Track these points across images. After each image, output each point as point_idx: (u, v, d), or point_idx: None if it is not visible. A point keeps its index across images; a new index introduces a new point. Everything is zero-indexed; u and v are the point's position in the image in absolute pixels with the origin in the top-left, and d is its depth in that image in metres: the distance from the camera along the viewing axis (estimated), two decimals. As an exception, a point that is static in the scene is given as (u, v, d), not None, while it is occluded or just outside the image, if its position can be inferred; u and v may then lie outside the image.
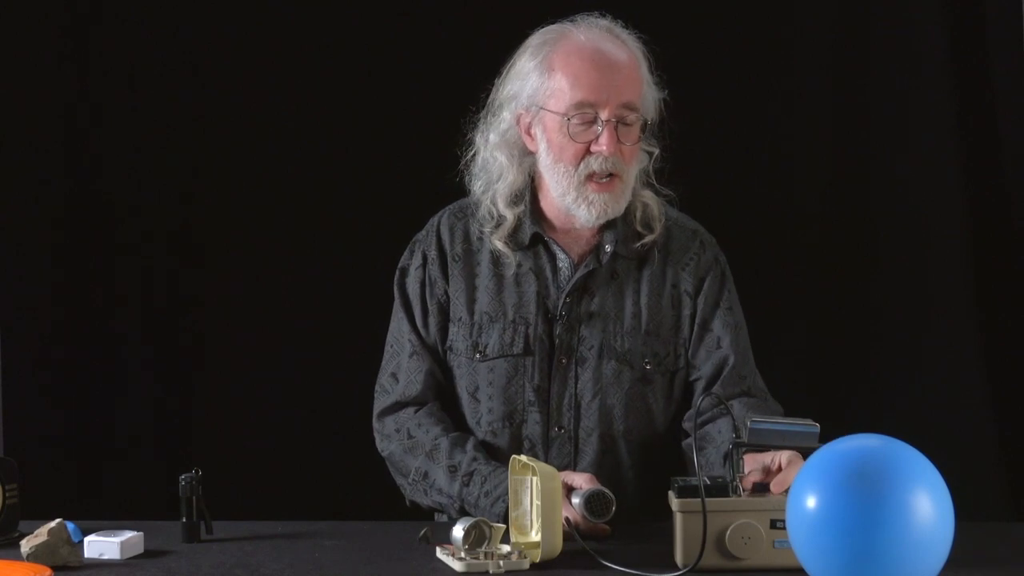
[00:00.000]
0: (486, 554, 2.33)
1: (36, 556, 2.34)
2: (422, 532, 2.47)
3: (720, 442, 2.68)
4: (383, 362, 2.88)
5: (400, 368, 2.85)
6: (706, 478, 2.30)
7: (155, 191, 3.77)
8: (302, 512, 2.77)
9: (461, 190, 2.88)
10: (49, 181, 3.76)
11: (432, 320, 2.85)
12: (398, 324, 2.88)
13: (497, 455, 2.75)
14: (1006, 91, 3.69)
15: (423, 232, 2.91)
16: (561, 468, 2.68)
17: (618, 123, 2.72)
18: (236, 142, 3.76)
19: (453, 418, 2.82)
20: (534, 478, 2.41)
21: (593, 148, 2.72)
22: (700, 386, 2.81)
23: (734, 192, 3.68)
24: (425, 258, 2.87)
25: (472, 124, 2.85)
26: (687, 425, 2.79)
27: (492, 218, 2.83)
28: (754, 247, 3.56)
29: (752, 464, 2.40)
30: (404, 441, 2.80)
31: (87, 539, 2.43)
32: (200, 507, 2.52)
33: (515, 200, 2.82)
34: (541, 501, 2.34)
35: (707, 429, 2.74)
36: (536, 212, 2.83)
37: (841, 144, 3.78)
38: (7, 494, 2.54)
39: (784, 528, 2.18)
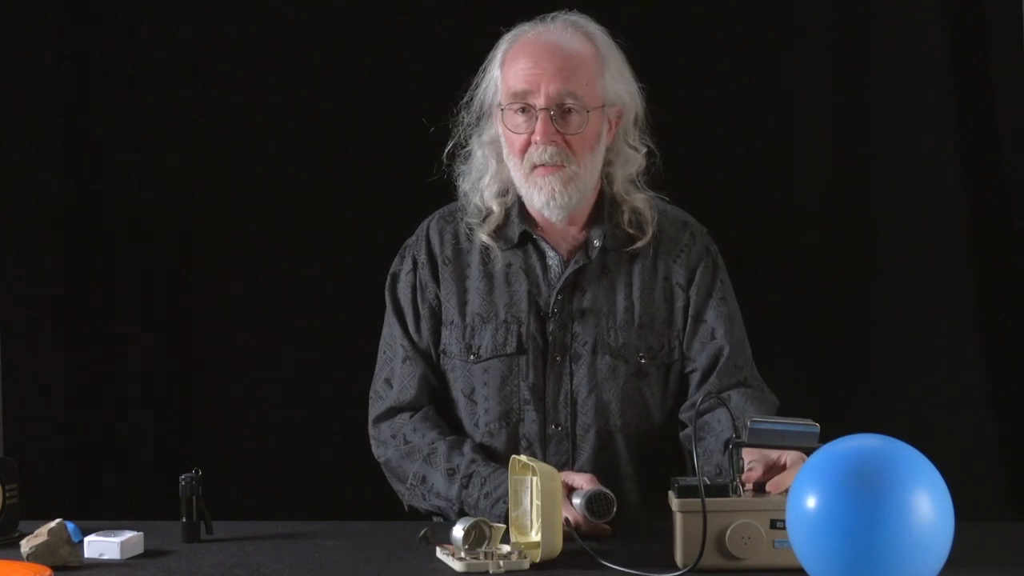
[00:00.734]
0: (486, 554, 2.33)
1: (36, 556, 2.34)
2: (422, 532, 2.47)
3: (720, 431, 2.67)
4: (376, 368, 2.88)
5: (394, 373, 2.84)
6: (706, 478, 2.30)
7: (155, 191, 3.77)
8: (302, 512, 2.76)
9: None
10: (49, 181, 3.76)
11: (424, 325, 2.84)
12: (391, 330, 2.87)
13: (495, 456, 2.75)
14: (1006, 91, 3.69)
15: (413, 237, 2.91)
16: (559, 465, 2.69)
17: (557, 112, 2.71)
18: (236, 142, 3.76)
19: (448, 422, 2.82)
20: (534, 478, 2.41)
21: (532, 139, 2.72)
22: (696, 378, 2.80)
23: (734, 192, 3.68)
24: (415, 263, 2.87)
25: (457, 123, 2.85)
26: (685, 416, 2.78)
27: (480, 212, 2.83)
28: (754, 247, 3.56)
29: (754, 456, 2.39)
30: (400, 446, 2.79)
31: (87, 539, 2.43)
32: (200, 507, 2.52)
33: (501, 193, 2.82)
34: (541, 501, 2.34)
35: (706, 418, 2.72)
36: (523, 211, 2.83)
37: (841, 144, 3.77)
38: (7, 494, 2.54)
39: (784, 528, 2.18)
